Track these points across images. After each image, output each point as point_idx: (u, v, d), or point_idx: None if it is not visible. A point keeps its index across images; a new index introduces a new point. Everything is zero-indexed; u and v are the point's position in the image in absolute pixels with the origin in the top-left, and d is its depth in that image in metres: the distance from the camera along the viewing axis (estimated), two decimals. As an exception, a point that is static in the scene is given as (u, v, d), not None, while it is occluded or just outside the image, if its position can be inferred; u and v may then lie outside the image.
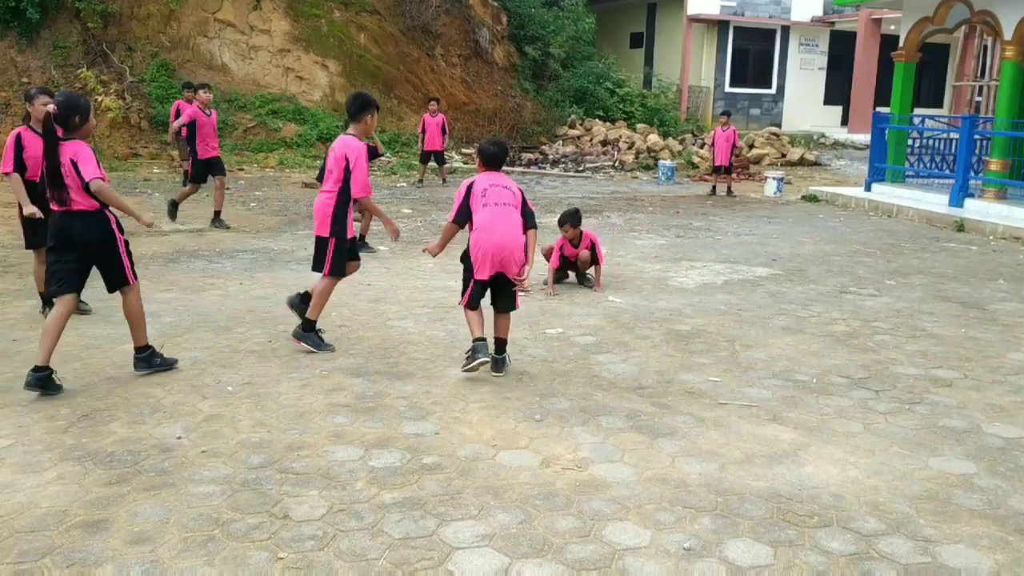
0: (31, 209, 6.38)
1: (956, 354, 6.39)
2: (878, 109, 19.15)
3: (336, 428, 4.73)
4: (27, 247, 6.94)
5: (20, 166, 6.52)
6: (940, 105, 27.68)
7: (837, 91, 28.52)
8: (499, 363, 5.68)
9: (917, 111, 17.49)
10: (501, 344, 5.71)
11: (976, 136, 14.27)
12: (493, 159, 5.72)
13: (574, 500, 3.95)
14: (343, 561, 3.40)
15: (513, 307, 5.73)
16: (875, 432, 4.85)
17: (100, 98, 18.11)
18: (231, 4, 20.46)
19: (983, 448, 4.66)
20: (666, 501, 3.96)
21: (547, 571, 3.36)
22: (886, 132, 15.56)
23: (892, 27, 23.83)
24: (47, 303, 6.47)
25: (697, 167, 20.35)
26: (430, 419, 4.89)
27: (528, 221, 5.60)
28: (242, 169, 17.47)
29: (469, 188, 5.60)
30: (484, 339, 5.56)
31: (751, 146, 22.97)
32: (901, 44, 15.61)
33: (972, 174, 14.01)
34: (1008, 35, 13.25)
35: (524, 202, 5.63)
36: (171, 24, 20.32)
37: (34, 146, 6.28)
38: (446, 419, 4.89)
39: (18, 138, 6.54)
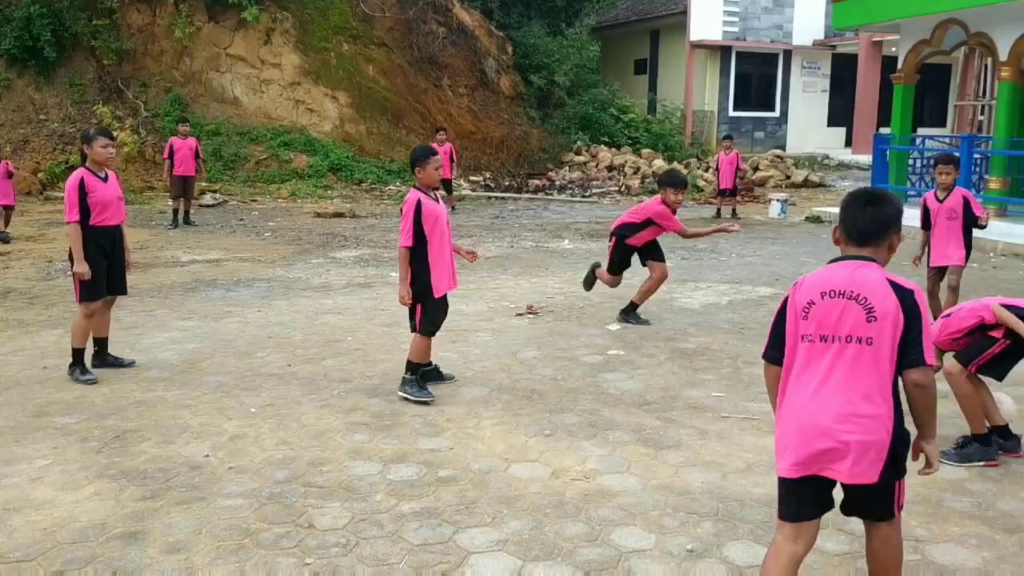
0: (83, 268, 6.06)
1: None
2: (881, 130, 19.40)
3: (355, 445, 4.96)
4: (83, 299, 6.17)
5: (84, 211, 6.09)
6: (943, 124, 27.88)
7: (840, 113, 28.82)
8: None
9: (921, 131, 17.78)
10: None
11: (976, 155, 14.50)
12: (855, 230, 3.10)
13: (582, 508, 4.16)
14: (366, 566, 3.62)
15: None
16: (871, 441, 5.04)
17: (116, 133, 18.53)
18: (242, 39, 20.92)
19: (975, 455, 4.84)
20: (670, 508, 4.17)
21: (558, 572, 3.58)
22: (887, 153, 15.81)
23: (893, 49, 24.01)
24: (79, 364, 6.15)
25: (702, 190, 20.62)
26: (445, 435, 5.12)
27: (910, 358, 2.89)
28: (255, 200, 17.83)
29: (785, 300, 3.07)
30: None
31: (755, 169, 23.25)
32: (899, 66, 15.90)
33: (973, 192, 14.21)
34: (1003, 56, 13.52)
35: (909, 322, 2.89)
36: (184, 60, 20.79)
37: (100, 190, 6.15)
38: (460, 435, 5.12)
39: (81, 182, 6.09)
